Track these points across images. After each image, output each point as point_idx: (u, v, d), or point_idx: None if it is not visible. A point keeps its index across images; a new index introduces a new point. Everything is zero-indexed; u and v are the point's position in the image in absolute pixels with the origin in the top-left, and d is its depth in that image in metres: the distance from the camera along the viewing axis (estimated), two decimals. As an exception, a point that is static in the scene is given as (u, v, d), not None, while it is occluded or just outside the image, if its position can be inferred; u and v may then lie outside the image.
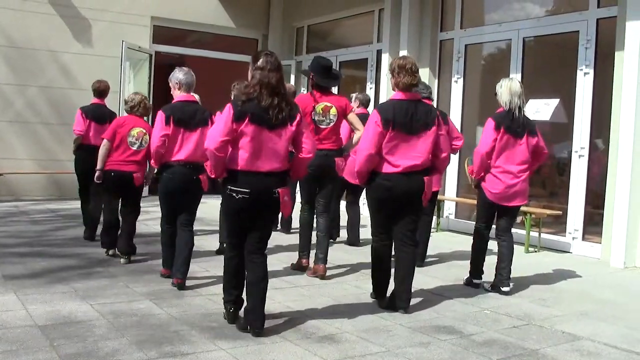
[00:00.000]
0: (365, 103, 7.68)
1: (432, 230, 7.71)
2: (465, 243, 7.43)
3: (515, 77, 7.61)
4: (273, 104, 3.99)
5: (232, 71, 9.85)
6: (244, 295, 4.16)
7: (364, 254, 6.44)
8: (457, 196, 9.15)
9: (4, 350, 3.56)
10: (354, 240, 7.41)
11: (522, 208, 6.01)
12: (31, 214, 8.96)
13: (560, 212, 7.75)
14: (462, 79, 9.25)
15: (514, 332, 4.38)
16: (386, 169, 4.58)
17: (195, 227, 5.49)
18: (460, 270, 6.14)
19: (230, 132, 3.92)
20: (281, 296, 4.97)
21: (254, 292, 4.06)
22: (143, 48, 11.41)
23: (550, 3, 8.58)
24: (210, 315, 4.40)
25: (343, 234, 7.63)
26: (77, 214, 7.28)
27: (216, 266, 5.63)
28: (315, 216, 5.87)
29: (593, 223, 7.56)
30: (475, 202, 5.92)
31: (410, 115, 4.57)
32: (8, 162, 10.37)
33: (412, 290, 4.82)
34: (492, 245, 5.69)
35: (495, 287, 5.42)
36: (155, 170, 5.34)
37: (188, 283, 5.14)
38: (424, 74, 8.81)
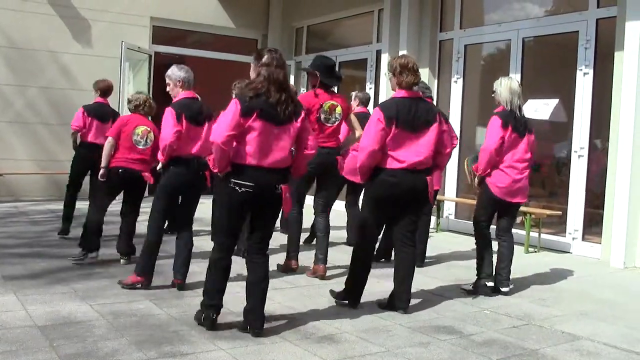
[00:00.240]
0: (365, 102, 7.67)
1: (432, 230, 7.71)
2: (465, 243, 7.44)
3: (515, 77, 7.59)
4: (281, 100, 3.99)
5: (231, 71, 9.81)
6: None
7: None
8: (456, 196, 9.14)
9: (4, 350, 3.56)
10: (353, 240, 7.38)
11: (521, 208, 5.99)
12: (31, 215, 8.96)
13: (560, 213, 7.74)
14: (461, 79, 9.24)
15: (513, 332, 4.38)
16: (391, 164, 4.57)
17: (195, 227, 5.49)
18: (460, 271, 6.13)
19: (237, 126, 3.90)
20: (281, 296, 4.97)
21: (255, 292, 4.05)
22: (143, 48, 11.41)
23: (549, 3, 8.58)
24: (210, 316, 4.39)
25: (343, 234, 7.62)
26: (76, 215, 7.27)
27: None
28: (314, 216, 5.85)
29: (593, 223, 7.55)
30: (475, 202, 5.91)
31: (413, 113, 4.58)
32: (8, 163, 10.36)
33: (412, 291, 4.81)
34: (492, 245, 5.68)
35: (494, 288, 5.42)
36: (160, 165, 5.32)
37: (188, 283, 5.14)
38: (424, 74, 8.78)
